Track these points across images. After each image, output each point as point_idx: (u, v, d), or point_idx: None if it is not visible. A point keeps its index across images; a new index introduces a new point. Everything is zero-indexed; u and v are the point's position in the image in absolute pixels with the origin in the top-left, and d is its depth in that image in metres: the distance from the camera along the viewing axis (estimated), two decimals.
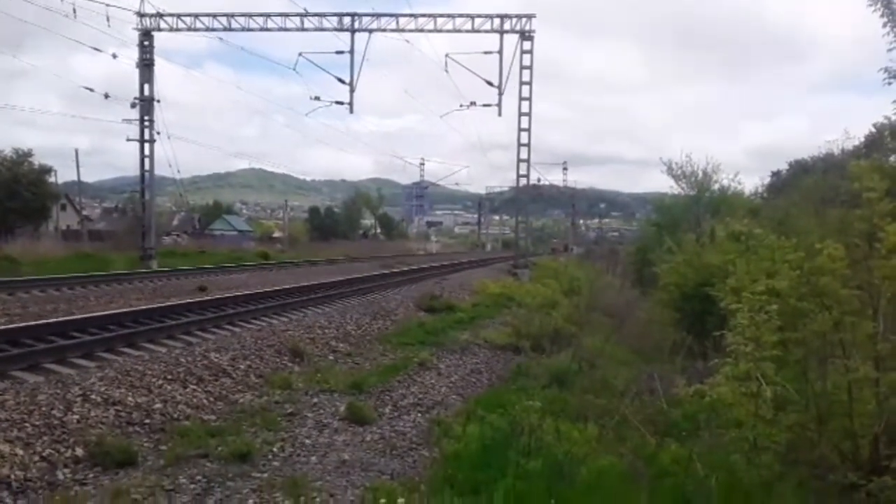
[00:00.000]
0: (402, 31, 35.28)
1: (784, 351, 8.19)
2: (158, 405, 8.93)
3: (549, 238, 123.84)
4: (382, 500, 5.70)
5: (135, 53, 35.49)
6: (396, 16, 35.49)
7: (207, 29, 35.25)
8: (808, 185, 30.07)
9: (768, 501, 6.66)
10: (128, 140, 36.07)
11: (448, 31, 35.32)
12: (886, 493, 6.59)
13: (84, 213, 67.63)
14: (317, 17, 35.16)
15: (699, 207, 37.16)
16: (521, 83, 36.49)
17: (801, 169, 44.15)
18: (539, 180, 78.66)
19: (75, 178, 61.85)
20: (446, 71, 35.25)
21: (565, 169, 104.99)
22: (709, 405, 8.33)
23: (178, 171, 38.74)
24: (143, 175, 36.88)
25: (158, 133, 35.87)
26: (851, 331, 7.87)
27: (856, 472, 7.30)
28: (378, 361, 13.45)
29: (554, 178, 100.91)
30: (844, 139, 35.36)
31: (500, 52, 35.31)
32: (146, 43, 35.50)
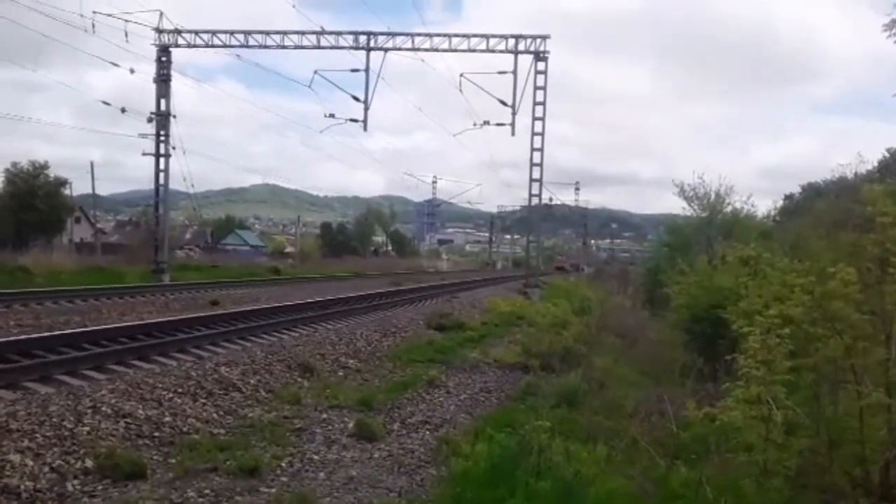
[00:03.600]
0: (418, 50, 35.48)
1: (795, 375, 8.16)
2: (168, 418, 8.95)
3: (555, 255, 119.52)
4: None
5: (151, 69, 35.86)
6: (412, 35, 35.70)
7: (224, 46, 35.55)
8: (821, 209, 29.98)
9: None
10: (143, 154, 36.40)
11: (463, 50, 35.46)
12: None
13: (98, 225, 68.07)
14: (333, 36, 35.41)
15: (711, 229, 37.01)
16: (535, 103, 36.56)
17: (813, 192, 44.10)
18: (551, 200, 78.65)
19: (90, 190, 62.32)
20: (460, 90, 35.44)
21: (577, 189, 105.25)
22: (719, 428, 8.30)
23: (193, 186, 39.02)
24: (157, 189, 37.13)
25: (174, 148, 36.19)
26: (863, 356, 7.84)
27: (867, 498, 7.26)
28: (387, 378, 13.44)
29: (566, 197, 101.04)
30: (858, 163, 35.32)
31: (515, 72, 35.44)
32: (163, 59, 35.83)
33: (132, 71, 35.03)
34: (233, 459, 7.62)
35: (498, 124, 37.12)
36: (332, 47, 35.47)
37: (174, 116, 36.21)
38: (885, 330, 7.85)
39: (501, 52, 35.54)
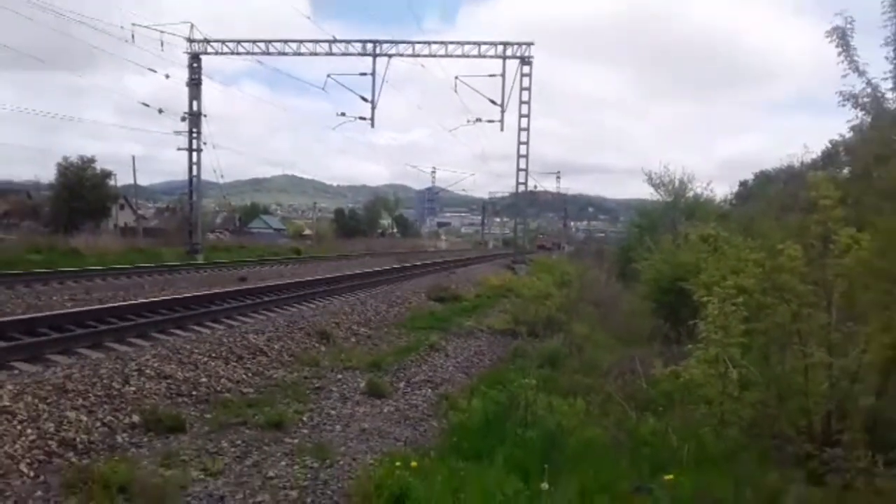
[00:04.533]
0: (418, 55, 35.24)
1: (749, 338, 8.19)
2: (204, 379, 8.99)
3: (537, 234, 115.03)
4: (397, 464, 5.74)
5: (184, 74, 35.63)
6: (413, 42, 35.48)
7: (248, 53, 35.29)
8: (772, 194, 29.87)
9: (733, 469, 6.66)
10: (178, 149, 36.27)
11: (457, 56, 35.23)
12: (837, 461, 6.59)
13: (139, 212, 67.81)
14: (343, 44, 35.18)
15: (676, 212, 36.84)
16: (521, 102, 36.50)
17: (765, 179, 43.78)
18: (535, 187, 78.57)
19: (131, 181, 62.10)
20: (455, 91, 35.25)
21: (558, 177, 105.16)
22: (682, 384, 8.33)
23: (222, 177, 38.89)
24: (191, 180, 37.06)
25: (205, 143, 36.08)
26: (808, 321, 7.86)
27: (811, 444, 7.30)
28: (394, 343, 13.48)
29: (548, 185, 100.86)
30: (804, 153, 34.91)
31: (503, 74, 35.25)
32: (195, 65, 35.59)
33: (167, 76, 34.85)
34: (260, 414, 7.67)
35: (489, 121, 37.14)
36: (342, 54, 35.26)
37: (205, 116, 36.10)
38: (826, 298, 7.87)
39: (491, 57, 35.35)
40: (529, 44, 35.83)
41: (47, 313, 11.82)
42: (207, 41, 35.26)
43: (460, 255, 55.83)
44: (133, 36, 31.39)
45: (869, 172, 9.45)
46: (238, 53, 35.44)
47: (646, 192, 41.85)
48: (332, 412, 8.32)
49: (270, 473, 6.07)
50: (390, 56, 34.97)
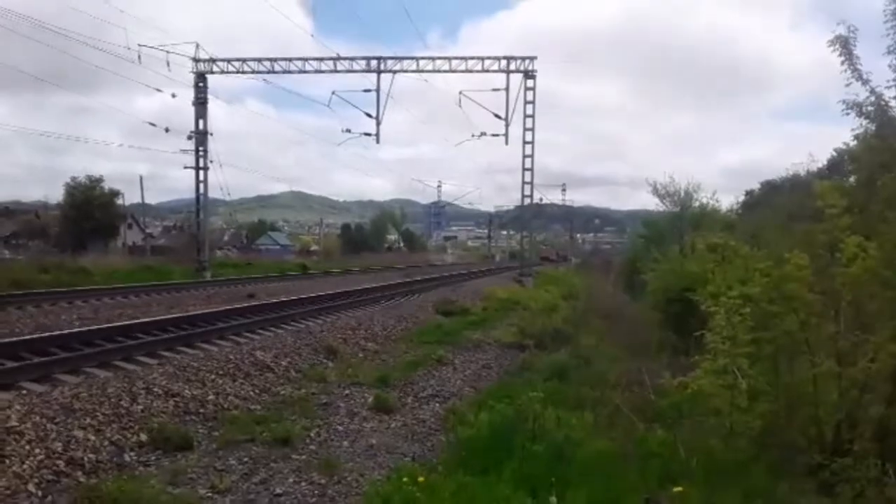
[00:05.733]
0: (422, 71, 35.43)
1: (757, 348, 8.15)
2: (211, 397, 8.98)
3: (541, 246, 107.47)
4: (405, 479, 5.71)
5: (190, 93, 35.86)
6: (416, 58, 35.67)
7: (253, 72, 35.56)
8: (778, 203, 29.81)
9: (743, 480, 6.61)
10: (185, 168, 36.47)
11: (461, 71, 35.38)
12: (848, 471, 6.54)
13: (147, 230, 68.13)
14: (348, 61, 35.36)
15: (682, 222, 36.84)
16: (525, 115, 36.55)
17: (771, 188, 43.73)
18: (541, 199, 78.14)
19: (139, 200, 62.58)
20: (460, 106, 35.32)
21: (564, 189, 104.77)
22: (691, 395, 8.29)
23: (229, 194, 39.06)
24: (198, 198, 37.20)
25: (211, 161, 36.27)
26: (816, 331, 7.84)
27: (821, 454, 7.25)
28: (401, 358, 13.45)
29: (554, 197, 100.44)
30: (809, 162, 34.99)
31: (507, 88, 35.38)
32: (201, 84, 35.81)
33: (174, 95, 35.19)
34: (268, 431, 7.65)
35: (493, 135, 37.09)
36: (347, 71, 35.43)
37: (211, 134, 36.28)
38: (834, 307, 7.85)
39: (495, 71, 35.49)
40: (533, 58, 35.98)
41: (55, 333, 11.86)
42: (213, 60, 35.54)
43: (467, 269, 55.81)
44: (139, 56, 31.67)
45: (874, 180, 9.43)
46: (243, 72, 35.74)
47: (651, 203, 41.84)
48: (340, 428, 8.30)
49: (278, 490, 6.05)
50: (394, 72, 35.15)
